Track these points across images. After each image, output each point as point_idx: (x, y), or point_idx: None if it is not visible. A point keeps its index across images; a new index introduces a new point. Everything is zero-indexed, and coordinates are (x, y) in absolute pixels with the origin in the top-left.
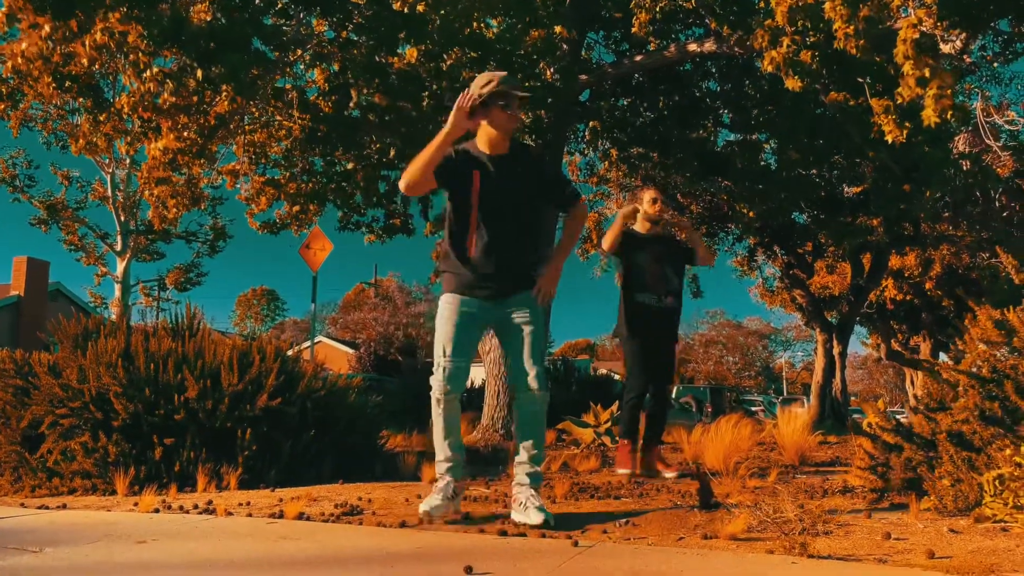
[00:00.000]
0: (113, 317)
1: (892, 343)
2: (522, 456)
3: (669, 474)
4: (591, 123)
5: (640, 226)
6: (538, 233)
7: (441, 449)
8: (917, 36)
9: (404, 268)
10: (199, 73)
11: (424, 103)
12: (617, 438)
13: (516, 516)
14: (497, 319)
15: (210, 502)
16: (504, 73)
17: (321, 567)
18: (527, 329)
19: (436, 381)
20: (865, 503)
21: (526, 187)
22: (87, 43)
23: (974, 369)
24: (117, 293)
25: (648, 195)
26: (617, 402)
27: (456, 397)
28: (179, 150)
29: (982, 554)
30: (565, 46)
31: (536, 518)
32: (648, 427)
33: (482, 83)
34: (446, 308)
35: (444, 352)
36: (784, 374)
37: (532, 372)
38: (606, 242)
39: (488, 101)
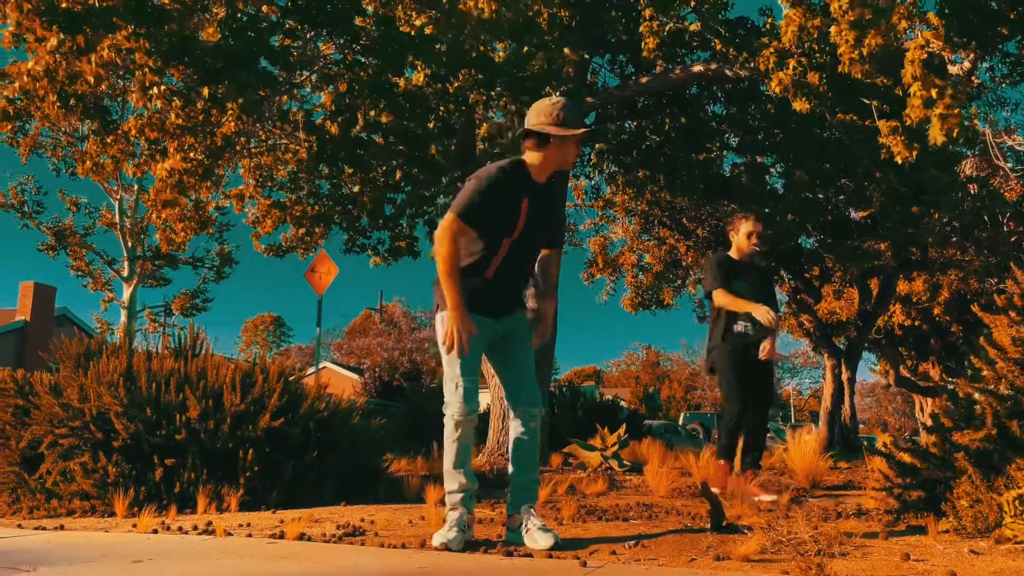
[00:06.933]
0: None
1: (901, 369)
2: (519, 479)
3: (766, 498)
4: (597, 145)
5: (735, 253)
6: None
7: (454, 477)
8: (924, 57)
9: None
10: (205, 91)
11: (431, 124)
12: (717, 458)
13: (527, 542)
14: (492, 335)
15: (209, 523)
16: (566, 102)
17: None
18: (521, 345)
19: (455, 402)
20: (881, 525)
21: (548, 218)
22: (93, 60)
23: (991, 387)
24: (123, 319)
25: (746, 227)
26: (624, 425)
27: (475, 418)
28: (185, 171)
29: (1006, 575)
30: (570, 69)
31: (545, 541)
32: (745, 450)
33: (545, 111)
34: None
35: (459, 370)
36: (791, 401)
37: (531, 386)
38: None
39: (548, 133)
